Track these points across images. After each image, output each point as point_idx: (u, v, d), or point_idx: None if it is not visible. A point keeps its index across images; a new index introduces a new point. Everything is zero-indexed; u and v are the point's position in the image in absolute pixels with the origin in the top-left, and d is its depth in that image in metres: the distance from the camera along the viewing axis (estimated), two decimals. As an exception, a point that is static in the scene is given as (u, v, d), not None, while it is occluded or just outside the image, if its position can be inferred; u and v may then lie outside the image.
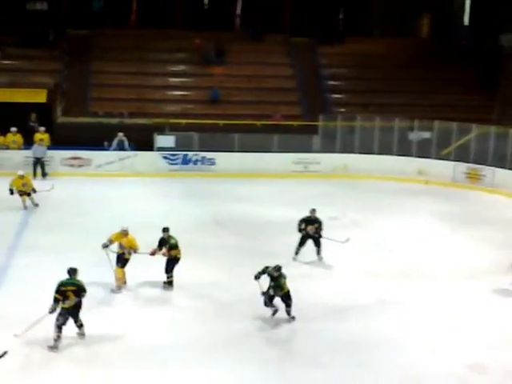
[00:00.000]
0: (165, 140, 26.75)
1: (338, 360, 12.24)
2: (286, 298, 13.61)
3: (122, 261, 14.90)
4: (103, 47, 31.04)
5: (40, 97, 28.08)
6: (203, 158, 26.71)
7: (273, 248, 17.83)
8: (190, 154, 26.65)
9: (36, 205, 21.36)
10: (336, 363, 12.12)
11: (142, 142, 26.38)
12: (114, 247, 15.04)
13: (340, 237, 17.43)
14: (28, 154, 25.23)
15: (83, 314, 12.52)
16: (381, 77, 31.84)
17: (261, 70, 31.68)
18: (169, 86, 30.95)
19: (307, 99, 31.00)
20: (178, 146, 26.76)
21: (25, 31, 30.31)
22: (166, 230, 15.31)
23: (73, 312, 12.32)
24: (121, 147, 26.33)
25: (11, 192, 20.97)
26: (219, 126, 27.53)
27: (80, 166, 25.97)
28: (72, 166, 25.94)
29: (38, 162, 25.11)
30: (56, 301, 12.17)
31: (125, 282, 15.00)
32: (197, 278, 15.83)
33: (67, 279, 12.32)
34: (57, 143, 25.74)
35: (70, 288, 12.19)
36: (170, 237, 15.22)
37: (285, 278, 13.58)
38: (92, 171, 25.78)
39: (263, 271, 13.78)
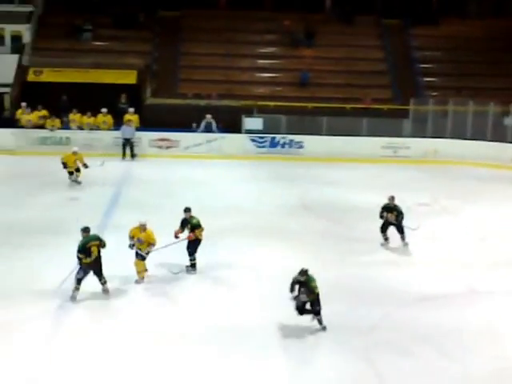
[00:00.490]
0: (253, 122, 26.63)
1: (426, 350, 11.85)
2: (316, 304, 12.37)
3: (140, 254, 14.34)
4: (193, 29, 31.10)
5: (130, 78, 28.42)
6: (291, 141, 26.46)
7: (359, 234, 17.49)
8: (278, 136, 26.45)
9: (79, 182, 21.69)
10: (424, 353, 11.73)
11: (229, 124, 26.35)
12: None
13: (430, 225, 16.91)
14: (117, 134, 25.58)
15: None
16: (475, 60, 30.80)
17: (351, 53, 31.14)
18: (257, 67, 30.78)
19: (398, 82, 30.29)
20: (266, 129, 26.60)
21: (116, 13, 30.68)
22: (187, 210, 15.10)
23: (95, 267, 13.36)
24: (208, 129, 26.37)
25: (64, 166, 21.49)
26: (307, 109, 27.21)
27: (168, 147, 26.14)
28: (160, 147, 26.13)
29: (127, 143, 25.41)
30: (80, 259, 13.24)
31: (143, 277, 14.35)
32: (281, 262, 15.63)
33: (88, 236, 13.36)
34: (146, 124, 25.96)
35: (93, 243, 13.29)
36: (191, 217, 15.01)
37: (313, 280, 12.37)
38: (179, 153, 25.90)
39: (292, 281, 12.52)
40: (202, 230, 14.98)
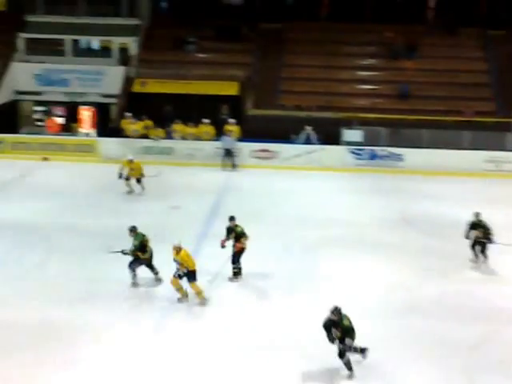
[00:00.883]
0: (352, 134, 26.56)
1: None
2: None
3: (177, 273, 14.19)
4: (294, 41, 31.33)
5: (232, 89, 28.85)
6: (391, 153, 26.22)
7: (460, 249, 17.10)
8: (378, 149, 26.27)
9: (131, 191, 22.21)
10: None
11: (329, 135, 26.36)
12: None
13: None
14: (219, 145, 26.00)
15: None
16: None
17: (453, 65, 30.60)
18: (357, 79, 30.68)
19: (502, 95, 29.54)
20: (366, 141, 26.47)
21: (219, 25, 31.24)
22: (232, 218, 15.30)
23: (150, 261, 14.85)
24: (308, 141, 26.48)
25: (120, 176, 21.96)
26: (407, 121, 26.90)
27: (268, 158, 26.37)
28: (260, 158, 26.39)
29: (228, 154, 25.80)
30: (138, 256, 14.63)
31: (186, 295, 14.18)
32: (382, 276, 15.56)
33: (140, 235, 14.68)
34: (246, 135, 26.29)
35: (147, 239, 14.79)
36: (236, 225, 15.15)
37: (346, 318, 11.38)
38: (279, 164, 26.07)
39: (325, 323, 11.48)
40: (247, 238, 15.20)
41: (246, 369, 11.57)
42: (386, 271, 15.85)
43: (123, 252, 14.68)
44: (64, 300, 14.14)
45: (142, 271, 15.01)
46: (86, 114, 29.44)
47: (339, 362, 11.40)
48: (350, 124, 26.76)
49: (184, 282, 14.04)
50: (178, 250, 13.95)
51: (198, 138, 26.73)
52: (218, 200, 21.75)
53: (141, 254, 14.73)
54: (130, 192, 22.25)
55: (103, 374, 11.42)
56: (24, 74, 29.57)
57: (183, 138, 26.92)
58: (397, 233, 18.74)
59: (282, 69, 30.47)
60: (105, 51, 31.03)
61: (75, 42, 30.90)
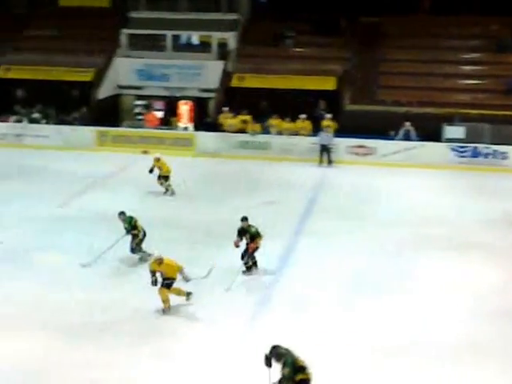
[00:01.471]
0: (454, 131, 25.76)
1: None
2: None
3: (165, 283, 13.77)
4: (393, 35, 30.66)
5: (329, 84, 28.54)
6: (495, 151, 25.27)
7: None
8: (481, 146, 25.36)
9: (171, 191, 21.52)
10: None
11: (429, 132, 25.65)
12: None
13: None
14: (315, 140, 25.76)
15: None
16: None
17: None
18: (460, 74, 29.72)
19: None
20: (468, 138, 25.61)
21: (317, 19, 30.93)
22: (244, 219, 14.99)
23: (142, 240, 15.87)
24: (407, 137, 25.87)
25: (150, 171, 21.59)
26: (513, 118, 25.89)
27: (365, 154, 25.94)
28: (357, 154, 25.99)
29: (324, 149, 25.52)
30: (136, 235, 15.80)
31: (168, 306, 13.63)
32: (478, 278, 15.01)
33: (128, 217, 15.87)
34: (343, 131, 25.94)
35: (136, 220, 15.81)
36: (249, 226, 14.86)
37: (289, 362, 9.48)
38: (376, 160, 25.59)
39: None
40: (261, 238, 14.99)
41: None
42: (486, 273, 15.27)
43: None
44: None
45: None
46: (184, 109, 29.79)
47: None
48: (451, 120, 25.99)
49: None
50: (159, 261, 13.52)
51: (294, 134, 26.58)
52: (314, 196, 21.55)
53: (138, 232, 15.82)
54: (166, 191, 21.76)
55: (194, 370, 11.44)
56: (126, 68, 30.17)
57: (279, 133, 26.82)
58: (499, 234, 18.02)
59: (380, 63, 29.90)
60: (204, 46, 31.26)
61: (175, 37, 31.26)
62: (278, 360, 9.56)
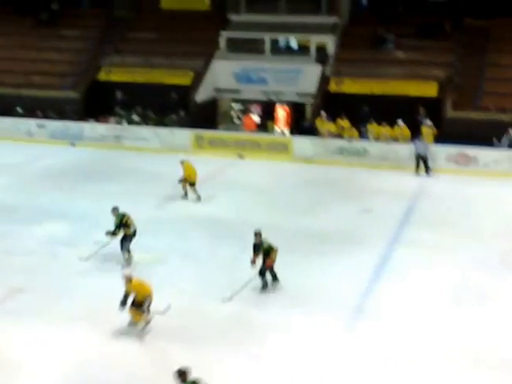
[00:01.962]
0: (561, 141, 24.60)
1: None
2: None
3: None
4: (501, 39, 29.53)
5: (430, 90, 27.76)
6: None
7: None
8: None
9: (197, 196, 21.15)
10: None
11: (534, 140, 24.58)
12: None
13: None
14: (413, 148, 25.05)
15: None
16: None
17: None
18: None
19: None
20: None
21: (421, 22, 30.16)
22: (257, 234, 14.60)
23: (132, 237, 16.07)
24: (511, 145, 24.85)
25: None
26: None
27: (466, 163, 25.04)
28: (457, 163, 25.13)
29: (421, 157, 24.80)
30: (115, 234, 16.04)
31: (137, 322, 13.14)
32: None
33: (121, 214, 16.09)
34: (445, 139, 25.14)
35: (128, 217, 16.14)
36: (261, 241, 14.50)
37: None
38: (478, 169, 24.64)
39: None
40: (276, 251, 14.60)
41: None
42: None
43: (106, 233, 16.13)
44: (251, 296, 14.33)
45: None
46: (281, 113, 29.64)
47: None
48: None
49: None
50: (128, 279, 13.07)
51: (392, 140, 25.98)
52: (411, 206, 20.97)
53: (127, 230, 16.11)
54: (184, 196, 21.43)
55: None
56: (224, 72, 30.27)
57: (377, 139, 26.28)
58: None
59: (486, 68, 28.85)
60: (302, 50, 31.00)
61: (274, 40, 31.16)
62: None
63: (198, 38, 31.19)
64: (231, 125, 30.40)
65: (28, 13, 33.91)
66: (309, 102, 29.35)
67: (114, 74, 30.70)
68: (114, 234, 16.20)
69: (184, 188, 21.31)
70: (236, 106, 31.27)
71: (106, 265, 16.12)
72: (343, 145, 26.19)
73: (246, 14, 31.59)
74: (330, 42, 30.37)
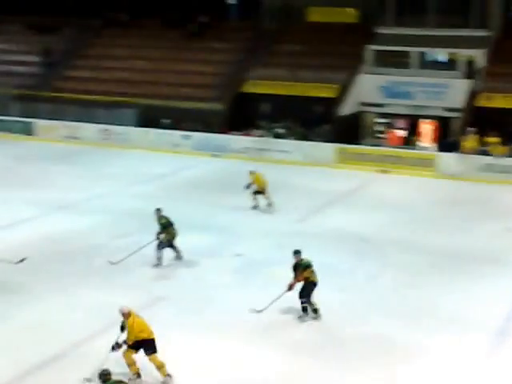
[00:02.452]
0: None
1: None
2: None
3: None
4: None
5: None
6: None
7: None
8: None
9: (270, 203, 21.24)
10: None
11: None
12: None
13: None
14: None
15: None
16: None
17: None
18: None
19: None
20: None
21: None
22: (296, 252, 13.82)
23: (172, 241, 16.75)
24: None
25: (247, 187, 21.28)
26: None
27: None
28: None
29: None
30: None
31: (139, 375, 11.56)
32: None
33: (164, 217, 16.66)
34: None
35: (168, 221, 16.67)
36: (301, 259, 13.70)
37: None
38: None
39: None
40: (312, 271, 13.74)
41: None
42: None
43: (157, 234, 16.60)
44: (392, 315, 13.90)
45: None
46: (426, 128, 28.86)
47: None
48: None
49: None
50: (126, 315, 11.61)
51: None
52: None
53: (166, 234, 16.60)
54: (255, 207, 21.39)
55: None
56: (369, 85, 29.86)
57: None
58: None
59: None
60: (450, 63, 30.11)
61: (421, 54, 30.42)
62: None
63: (343, 51, 30.98)
64: (375, 139, 29.91)
65: (176, 25, 34.88)
66: (455, 117, 28.41)
67: (259, 86, 30.97)
68: (162, 232, 16.70)
69: (255, 199, 21.50)
70: (380, 121, 30.73)
71: (247, 278, 16.11)
72: (489, 161, 25.12)
73: (393, 27, 31.01)
74: (479, 56, 29.29)
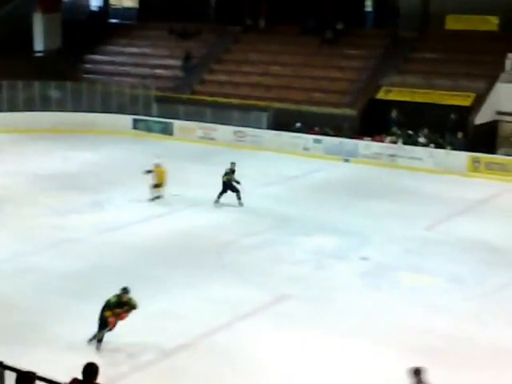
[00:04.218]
0: None
1: None
2: None
3: None
4: None
5: None
6: None
7: None
8: None
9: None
10: None
11: None
12: None
13: None
14: None
15: None
16: None
17: None
18: None
19: None
20: None
21: None
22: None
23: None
24: None
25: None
26: None
27: None
28: None
29: None
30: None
31: None
32: None
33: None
34: None
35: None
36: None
37: None
38: None
39: None
40: None
41: None
42: None
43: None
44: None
45: None
46: None
47: None
48: None
49: None
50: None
51: None
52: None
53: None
54: (153, 199, 21.96)
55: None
56: (508, 95, 28.99)
57: None
58: None
59: None
60: None
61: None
62: None
63: (482, 59, 30.25)
64: (511, 149, 29.02)
65: (313, 32, 35.21)
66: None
67: (392, 93, 30.79)
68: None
69: (152, 192, 22.07)
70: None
71: (371, 282, 16.17)
72: None
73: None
74: None
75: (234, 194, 21.67)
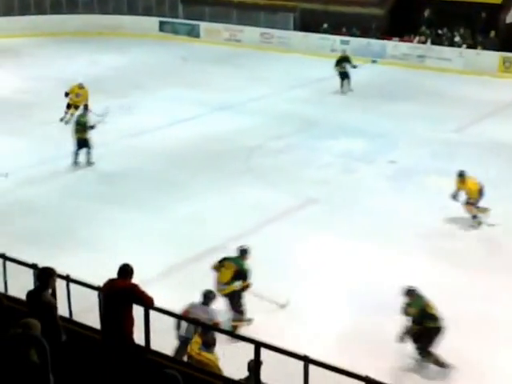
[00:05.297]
0: None
1: None
2: None
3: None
4: None
5: None
6: None
7: None
8: None
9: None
10: None
11: None
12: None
13: None
14: None
15: None
16: None
17: None
18: None
19: None
20: None
21: None
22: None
23: None
24: None
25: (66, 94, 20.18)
26: None
27: None
28: None
29: None
30: None
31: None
32: None
33: None
34: None
35: None
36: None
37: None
38: None
39: None
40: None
41: None
42: None
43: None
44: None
45: None
46: None
47: None
48: None
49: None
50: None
51: None
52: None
53: None
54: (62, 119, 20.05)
55: None
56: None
57: None
58: None
59: None
60: None
61: None
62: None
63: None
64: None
65: None
66: None
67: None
68: None
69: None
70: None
71: (398, 185, 16.15)
72: None
73: None
74: None
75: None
